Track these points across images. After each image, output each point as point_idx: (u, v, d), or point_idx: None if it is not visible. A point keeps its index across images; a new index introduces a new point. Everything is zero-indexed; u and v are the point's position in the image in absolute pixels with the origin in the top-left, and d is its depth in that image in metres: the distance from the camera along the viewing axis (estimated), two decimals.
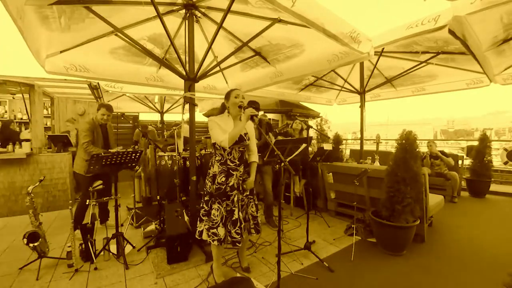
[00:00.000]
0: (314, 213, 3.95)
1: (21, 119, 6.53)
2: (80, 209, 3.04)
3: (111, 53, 3.13)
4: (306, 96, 5.69)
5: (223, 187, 2.07)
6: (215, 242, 2.05)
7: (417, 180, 2.70)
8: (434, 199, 3.28)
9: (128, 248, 2.78)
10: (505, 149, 5.84)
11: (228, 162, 2.11)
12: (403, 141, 2.76)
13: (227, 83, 4.24)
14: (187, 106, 2.82)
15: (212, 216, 2.08)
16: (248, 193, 2.20)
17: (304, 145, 2.50)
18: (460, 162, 5.18)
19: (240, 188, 2.14)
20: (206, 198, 2.15)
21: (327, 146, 3.71)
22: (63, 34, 2.51)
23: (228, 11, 2.23)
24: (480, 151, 5.16)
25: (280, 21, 2.41)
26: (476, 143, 5.48)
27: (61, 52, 2.75)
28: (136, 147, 4.59)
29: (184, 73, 2.72)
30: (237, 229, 2.05)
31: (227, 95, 2.16)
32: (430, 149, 5.00)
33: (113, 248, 2.66)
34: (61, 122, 5.58)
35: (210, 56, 3.11)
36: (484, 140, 5.20)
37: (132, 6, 2.37)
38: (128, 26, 2.66)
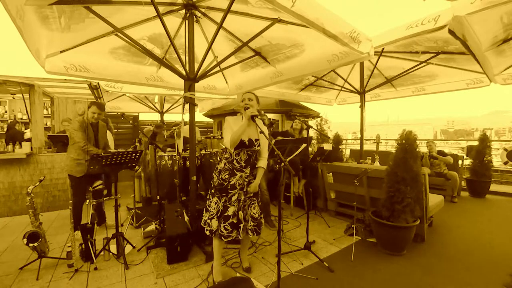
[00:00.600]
0: (314, 213, 3.95)
1: (21, 119, 6.53)
2: (75, 209, 2.98)
3: (111, 53, 3.13)
4: (306, 96, 5.69)
5: (225, 184, 2.15)
6: (207, 232, 2.18)
7: (417, 180, 2.70)
8: (434, 199, 3.28)
9: (128, 248, 2.78)
10: (505, 149, 5.84)
11: (234, 162, 2.16)
12: (403, 141, 2.76)
13: (227, 83, 4.24)
14: (187, 106, 2.82)
15: (209, 208, 2.19)
16: (251, 195, 2.23)
17: (304, 145, 2.50)
18: (460, 162, 5.18)
19: (244, 189, 2.18)
20: (212, 191, 2.24)
21: (327, 146, 3.70)
22: (63, 34, 2.51)
23: (228, 11, 2.23)
24: (480, 151, 5.16)
25: (280, 21, 2.41)
26: (476, 143, 5.48)
27: (61, 52, 2.75)
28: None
29: (184, 73, 2.72)
30: (226, 225, 2.12)
31: (241, 99, 2.23)
32: (429, 149, 5.00)
33: (113, 248, 2.66)
34: (61, 122, 5.58)
35: (210, 56, 3.11)
36: (484, 140, 5.20)
37: (132, 6, 2.37)
38: (128, 26, 2.65)
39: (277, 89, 4.98)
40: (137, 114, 7.84)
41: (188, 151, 3.00)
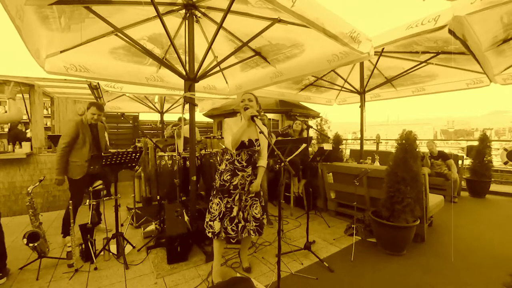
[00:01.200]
0: (314, 213, 3.95)
1: (21, 119, 6.52)
2: (67, 214, 2.86)
3: (111, 53, 3.13)
4: (306, 96, 5.69)
5: (227, 184, 2.15)
6: (210, 234, 2.16)
7: (417, 180, 2.70)
8: (434, 199, 3.28)
9: (128, 248, 2.78)
10: (505, 149, 5.83)
11: (236, 162, 2.16)
12: (403, 141, 2.76)
13: (227, 83, 4.24)
14: (187, 106, 2.82)
15: (211, 210, 2.18)
16: (253, 195, 2.23)
17: (304, 145, 2.50)
18: (460, 162, 5.18)
19: (246, 189, 2.19)
20: (213, 193, 2.23)
21: (327, 146, 3.70)
22: (63, 34, 2.51)
23: (228, 11, 2.23)
24: (480, 151, 5.16)
25: (280, 21, 2.41)
26: (476, 143, 5.48)
27: (61, 52, 2.75)
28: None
29: (184, 73, 2.72)
30: (233, 226, 2.14)
31: (240, 99, 2.22)
32: (430, 148, 5.00)
33: (113, 248, 2.66)
34: (61, 122, 5.58)
35: (210, 56, 3.11)
36: (484, 140, 5.20)
37: (132, 6, 2.37)
38: (128, 26, 2.66)
39: (277, 89, 4.98)
40: (137, 114, 7.84)
41: (188, 151, 3.00)
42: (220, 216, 2.14)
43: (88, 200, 2.62)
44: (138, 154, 2.71)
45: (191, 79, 2.74)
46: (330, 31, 2.08)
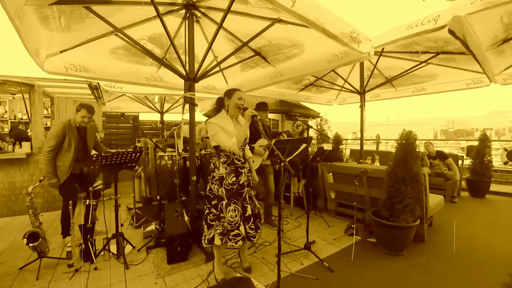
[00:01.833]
0: (314, 213, 3.95)
1: (21, 119, 6.54)
2: (64, 215, 2.88)
3: (111, 53, 3.13)
4: (306, 96, 5.69)
5: (235, 186, 2.09)
6: (240, 243, 2.04)
7: (417, 180, 2.70)
8: (434, 199, 3.28)
9: (128, 248, 2.78)
10: (505, 149, 5.84)
11: (235, 161, 2.14)
12: (403, 141, 2.76)
13: (227, 83, 4.24)
14: (187, 106, 2.82)
15: (230, 218, 2.04)
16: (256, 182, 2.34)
17: (304, 145, 2.50)
18: (460, 162, 5.17)
19: (251, 185, 2.22)
20: (214, 202, 2.13)
21: (327, 146, 3.70)
22: (63, 34, 2.51)
23: (228, 11, 2.23)
24: (480, 151, 5.16)
25: (280, 21, 2.42)
26: (476, 143, 5.48)
27: (61, 52, 2.75)
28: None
29: (184, 73, 2.72)
30: (251, 225, 2.14)
31: (229, 93, 2.15)
32: (427, 149, 5.00)
33: (113, 248, 2.66)
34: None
35: (210, 56, 3.11)
36: (484, 140, 5.20)
37: (132, 6, 2.37)
38: (128, 26, 2.66)
39: (277, 89, 4.97)
40: (137, 114, 7.85)
41: (188, 151, 3.00)
42: (242, 219, 2.09)
43: (88, 200, 2.62)
44: (138, 154, 2.71)
45: (191, 79, 2.74)
46: (330, 31, 2.08)
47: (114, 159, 2.55)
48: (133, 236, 3.14)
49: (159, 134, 7.55)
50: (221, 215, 2.10)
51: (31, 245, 2.24)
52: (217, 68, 2.93)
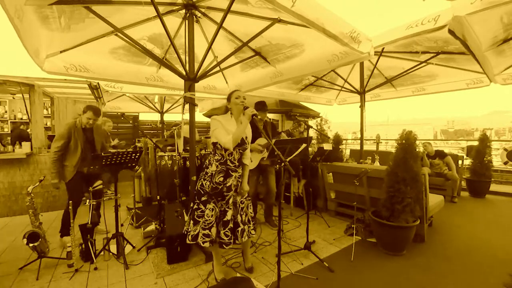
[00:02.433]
0: (314, 213, 3.95)
1: (21, 119, 6.54)
2: (66, 213, 2.83)
3: (111, 53, 3.13)
4: (306, 96, 5.69)
5: (220, 187, 2.07)
6: (206, 244, 2.02)
7: (417, 180, 2.70)
8: (434, 199, 3.28)
9: (128, 248, 2.78)
10: (505, 149, 5.84)
11: (228, 162, 2.10)
12: (403, 141, 2.76)
13: (227, 83, 4.24)
14: (187, 106, 2.82)
15: (205, 217, 2.04)
16: (246, 195, 2.25)
17: (304, 145, 2.50)
18: (460, 162, 5.17)
19: (238, 191, 2.17)
20: (204, 198, 2.10)
21: (327, 146, 3.70)
22: (63, 34, 2.51)
23: (228, 11, 2.23)
24: (480, 151, 5.16)
25: (280, 21, 2.41)
26: (476, 143, 5.48)
27: (61, 52, 2.75)
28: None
29: (184, 73, 2.72)
30: (227, 231, 2.06)
31: (228, 97, 2.17)
32: (425, 149, 5.00)
33: (113, 248, 2.66)
34: (61, 122, 5.58)
35: (210, 56, 3.11)
36: (484, 140, 5.20)
37: (132, 6, 2.37)
38: (128, 26, 2.65)
39: (277, 89, 4.97)
40: (137, 114, 7.85)
41: (188, 151, 3.00)
42: (217, 221, 2.07)
43: (88, 200, 2.62)
44: (138, 154, 2.71)
45: (191, 79, 2.74)
46: (330, 31, 2.08)
47: (114, 159, 2.55)
48: (133, 236, 3.14)
49: (159, 134, 7.55)
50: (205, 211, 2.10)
51: (31, 245, 2.25)
52: (217, 68, 2.93)
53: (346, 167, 3.64)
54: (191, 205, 2.20)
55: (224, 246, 2.07)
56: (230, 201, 2.11)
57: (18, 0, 1.70)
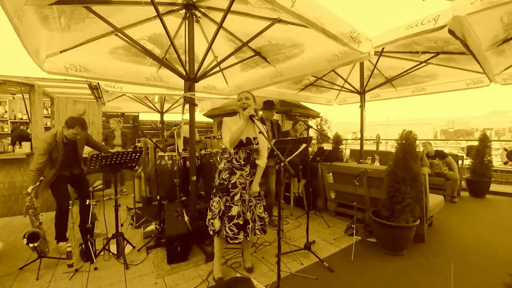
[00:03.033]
0: (314, 213, 3.95)
1: (21, 119, 6.53)
2: (57, 218, 2.72)
3: (111, 53, 3.13)
4: (306, 96, 5.70)
5: (226, 183, 2.16)
6: (211, 232, 2.20)
7: (417, 180, 2.70)
8: (434, 199, 3.28)
9: (128, 248, 2.78)
10: (505, 149, 5.84)
11: (234, 161, 2.18)
12: (403, 141, 2.76)
13: (227, 83, 4.24)
14: (187, 106, 2.82)
15: (212, 208, 2.21)
16: (256, 195, 2.26)
17: (304, 145, 2.50)
18: (460, 162, 5.17)
19: (246, 189, 2.20)
20: (214, 191, 2.26)
21: (327, 146, 3.70)
22: (63, 34, 2.51)
23: (228, 11, 2.23)
24: (480, 151, 5.16)
25: (280, 21, 2.42)
26: (476, 143, 5.48)
27: (61, 52, 2.75)
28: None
29: (184, 73, 2.72)
30: (231, 226, 2.12)
31: (237, 98, 2.22)
32: (425, 149, 5.00)
33: (113, 248, 2.66)
34: (61, 122, 5.58)
35: (210, 56, 3.11)
36: (484, 140, 5.20)
37: (132, 6, 2.37)
38: (128, 26, 2.66)
39: (277, 89, 4.98)
40: (137, 114, 7.84)
41: (188, 151, 3.00)
42: (220, 215, 2.16)
43: (88, 200, 2.62)
44: (138, 154, 2.71)
45: (191, 79, 2.74)
46: (330, 31, 2.08)
47: (114, 159, 2.55)
48: (133, 236, 3.14)
49: (159, 134, 7.55)
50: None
51: (31, 245, 2.25)
52: (217, 68, 2.93)
53: (346, 167, 3.64)
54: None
55: (229, 240, 2.13)
56: (236, 197, 2.15)
57: (18, 0, 1.70)
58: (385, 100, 5.54)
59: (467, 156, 5.71)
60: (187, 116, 2.96)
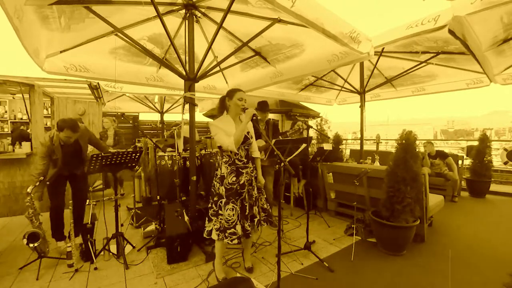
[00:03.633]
0: (314, 213, 3.95)
1: (21, 119, 6.54)
2: (52, 217, 2.71)
3: (111, 53, 3.13)
4: (306, 96, 5.69)
5: (235, 186, 2.12)
6: (235, 241, 2.09)
7: (417, 180, 2.70)
8: (434, 199, 3.28)
9: (128, 248, 2.78)
10: (505, 149, 5.84)
11: (236, 161, 2.15)
12: (403, 141, 2.76)
13: (227, 83, 4.24)
14: (187, 106, 2.82)
15: (228, 217, 2.08)
16: (262, 186, 2.32)
17: (304, 145, 2.50)
18: (460, 162, 5.17)
19: (253, 184, 2.23)
20: (215, 199, 2.18)
21: (327, 146, 3.70)
22: (63, 34, 2.51)
23: (228, 11, 2.23)
24: (480, 151, 5.16)
25: (280, 21, 2.42)
26: (476, 143, 5.48)
27: (61, 52, 2.75)
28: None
29: (184, 73, 2.72)
30: (249, 222, 2.18)
31: (231, 94, 2.17)
32: (428, 148, 4.99)
33: (113, 248, 2.66)
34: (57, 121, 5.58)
35: (210, 56, 3.11)
36: (484, 140, 5.20)
37: (132, 6, 2.37)
38: (128, 26, 2.66)
39: (277, 89, 4.98)
40: (137, 114, 7.85)
41: (188, 151, 3.00)
42: (239, 219, 2.12)
43: (88, 200, 2.62)
44: (138, 154, 2.71)
45: (191, 79, 2.74)
46: (329, 31, 2.08)
47: (114, 159, 2.55)
48: (133, 236, 3.14)
49: (159, 134, 7.55)
50: (220, 212, 2.14)
51: (31, 245, 2.25)
52: (217, 68, 2.93)
53: (346, 167, 3.64)
54: (209, 204, 2.27)
55: (250, 235, 2.20)
56: (247, 196, 2.17)
57: (18, 0, 1.70)
58: (385, 100, 5.54)
59: (467, 156, 5.71)
60: (187, 116, 2.96)
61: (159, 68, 3.64)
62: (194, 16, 2.71)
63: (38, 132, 4.18)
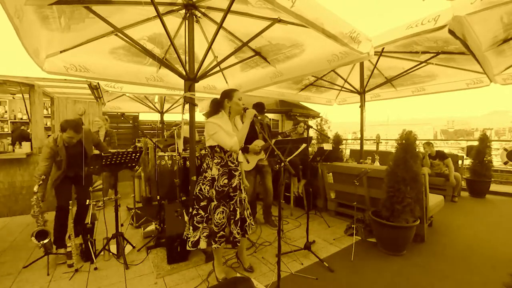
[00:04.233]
0: (314, 213, 3.95)
1: (21, 119, 6.54)
2: (56, 222, 2.71)
3: (111, 53, 3.13)
4: (306, 96, 5.69)
5: (226, 188, 2.07)
6: (223, 244, 2.07)
7: (417, 180, 2.70)
8: (434, 199, 3.28)
9: (128, 248, 2.78)
10: (505, 149, 5.84)
11: (229, 163, 2.11)
12: (403, 141, 2.76)
13: (227, 83, 4.24)
14: (187, 106, 2.82)
15: (218, 220, 2.03)
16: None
17: (304, 145, 2.50)
18: (460, 162, 5.17)
19: (241, 188, 2.18)
20: (203, 204, 2.08)
21: (327, 146, 3.70)
22: (63, 34, 2.51)
23: (228, 11, 2.23)
24: (480, 151, 5.16)
25: (280, 21, 2.41)
26: (476, 143, 5.48)
27: (61, 52, 2.75)
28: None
29: (184, 73, 2.72)
30: (238, 229, 2.09)
31: (229, 94, 2.14)
32: (428, 148, 4.99)
33: (113, 248, 2.66)
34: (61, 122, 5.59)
35: (210, 56, 3.11)
36: (484, 140, 5.20)
37: (132, 6, 2.37)
38: (128, 26, 2.65)
39: (277, 89, 4.97)
40: (137, 114, 7.85)
41: (188, 151, 3.00)
42: (228, 222, 2.09)
43: (88, 200, 2.62)
44: (138, 154, 2.71)
45: (191, 79, 2.74)
46: (329, 31, 2.08)
47: (114, 159, 2.55)
48: (133, 236, 3.14)
49: (159, 134, 7.55)
50: (210, 217, 2.07)
51: (41, 242, 2.27)
52: (217, 68, 2.93)
53: (346, 167, 3.64)
54: (190, 210, 2.19)
55: (238, 244, 2.09)
56: (238, 200, 2.13)
57: (18, 0, 1.70)
58: (385, 100, 5.54)
59: (467, 156, 5.71)
60: (187, 116, 2.96)
61: (159, 68, 3.63)
62: (194, 16, 2.70)
63: (38, 132, 4.19)
